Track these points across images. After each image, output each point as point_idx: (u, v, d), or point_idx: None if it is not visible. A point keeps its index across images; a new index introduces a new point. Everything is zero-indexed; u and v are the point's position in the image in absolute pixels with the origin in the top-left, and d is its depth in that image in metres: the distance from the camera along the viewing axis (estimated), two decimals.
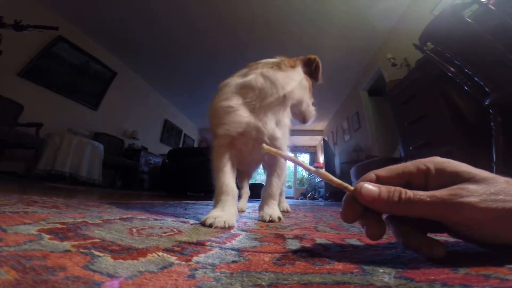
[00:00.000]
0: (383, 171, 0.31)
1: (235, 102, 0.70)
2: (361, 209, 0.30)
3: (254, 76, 0.73)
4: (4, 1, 2.97)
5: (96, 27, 4.01)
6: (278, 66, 0.77)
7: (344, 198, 0.31)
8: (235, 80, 0.75)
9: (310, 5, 3.34)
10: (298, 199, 8.06)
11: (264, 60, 0.82)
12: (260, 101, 0.70)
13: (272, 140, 0.73)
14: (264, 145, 0.33)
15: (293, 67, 0.81)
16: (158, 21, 3.81)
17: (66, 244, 0.28)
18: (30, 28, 2.42)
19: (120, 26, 3.96)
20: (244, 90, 0.72)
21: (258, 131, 0.71)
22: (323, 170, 0.31)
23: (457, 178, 0.26)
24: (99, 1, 3.45)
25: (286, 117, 0.80)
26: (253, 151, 0.76)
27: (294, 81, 0.78)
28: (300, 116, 0.95)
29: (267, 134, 0.71)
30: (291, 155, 0.38)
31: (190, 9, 3.56)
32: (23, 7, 3.18)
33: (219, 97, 0.74)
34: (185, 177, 3.53)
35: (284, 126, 0.78)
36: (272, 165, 0.84)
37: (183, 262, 0.26)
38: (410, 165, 0.30)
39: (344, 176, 5.34)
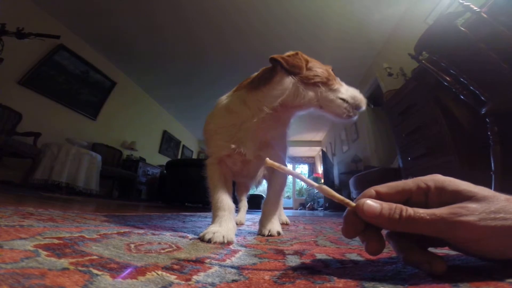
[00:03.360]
0: (383, 188, 0.31)
1: (221, 125, 0.72)
2: (362, 225, 0.30)
3: (231, 99, 0.73)
4: (7, 8, 3.01)
5: (97, 36, 4.07)
6: (253, 84, 0.70)
7: (345, 214, 0.32)
8: (223, 101, 0.75)
9: (308, 16, 3.43)
10: (297, 209, 7.99)
11: (249, 78, 0.76)
12: (240, 124, 0.70)
13: (258, 159, 0.73)
14: (268, 159, 0.33)
15: (268, 79, 0.68)
16: (158, 32, 3.88)
17: (64, 262, 0.28)
18: (32, 36, 2.43)
19: (120, 36, 4.03)
20: (226, 113, 0.72)
21: (240, 154, 0.71)
22: (325, 186, 0.32)
23: (458, 197, 0.27)
24: (101, 10, 3.52)
25: (280, 129, 0.76)
26: (243, 169, 0.77)
27: (272, 97, 0.67)
28: (333, 115, 0.72)
29: (250, 157, 0.72)
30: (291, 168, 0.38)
31: (190, 21, 3.64)
32: (25, 14, 3.22)
33: (209, 118, 0.76)
34: (184, 188, 3.51)
35: (276, 140, 0.76)
36: (273, 180, 0.84)
37: (183, 282, 0.25)
38: (410, 183, 0.30)
39: (343, 186, 5.32)
